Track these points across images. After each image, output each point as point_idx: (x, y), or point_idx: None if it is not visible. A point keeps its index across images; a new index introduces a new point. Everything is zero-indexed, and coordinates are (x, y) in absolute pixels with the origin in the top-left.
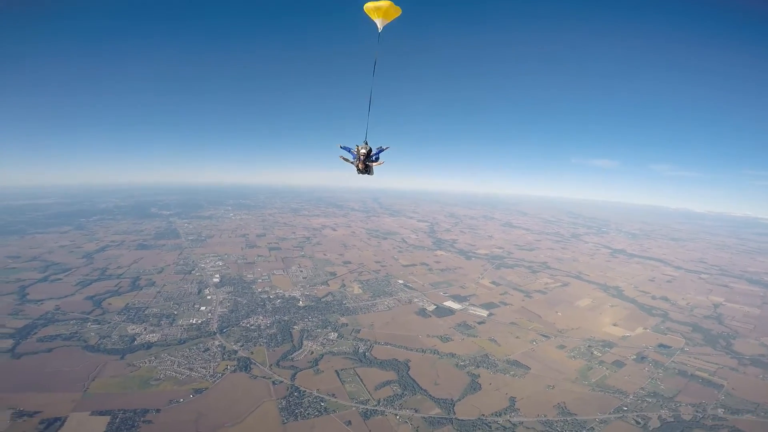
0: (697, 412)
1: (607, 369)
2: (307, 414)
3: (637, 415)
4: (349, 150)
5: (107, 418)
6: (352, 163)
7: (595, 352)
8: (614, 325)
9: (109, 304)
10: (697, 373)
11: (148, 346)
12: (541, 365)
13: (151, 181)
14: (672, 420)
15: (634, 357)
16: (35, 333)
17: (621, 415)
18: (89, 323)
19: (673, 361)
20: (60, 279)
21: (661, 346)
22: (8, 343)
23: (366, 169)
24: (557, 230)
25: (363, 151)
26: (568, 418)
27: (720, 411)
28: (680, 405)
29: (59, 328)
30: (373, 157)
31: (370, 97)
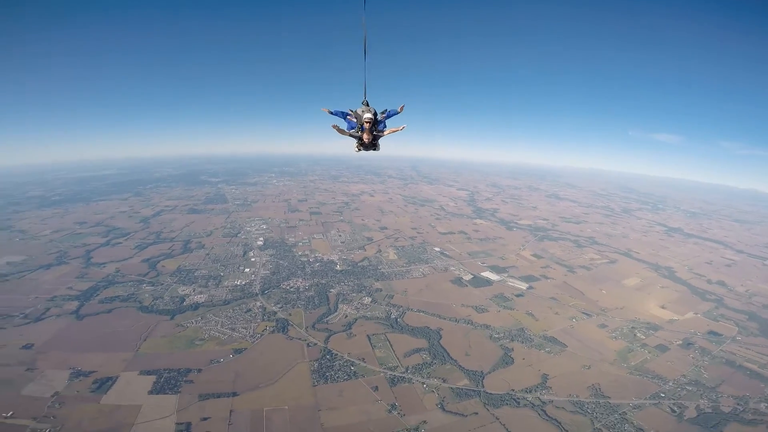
0: (738, 404)
1: (649, 353)
2: (337, 377)
3: (674, 403)
4: (344, 116)
5: (153, 378)
6: (350, 135)
7: (638, 334)
8: (662, 307)
9: (163, 266)
10: (746, 364)
11: (196, 306)
12: (579, 344)
13: (201, 152)
14: (710, 411)
15: (680, 342)
16: (97, 295)
17: (657, 401)
18: (144, 285)
19: (721, 350)
20: (120, 243)
21: (711, 333)
22: (74, 305)
23: (373, 142)
24: (608, 204)
25: (367, 116)
26: (601, 401)
27: (763, 405)
28: (721, 396)
29: (118, 289)
30: (382, 125)
31: (364, 37)
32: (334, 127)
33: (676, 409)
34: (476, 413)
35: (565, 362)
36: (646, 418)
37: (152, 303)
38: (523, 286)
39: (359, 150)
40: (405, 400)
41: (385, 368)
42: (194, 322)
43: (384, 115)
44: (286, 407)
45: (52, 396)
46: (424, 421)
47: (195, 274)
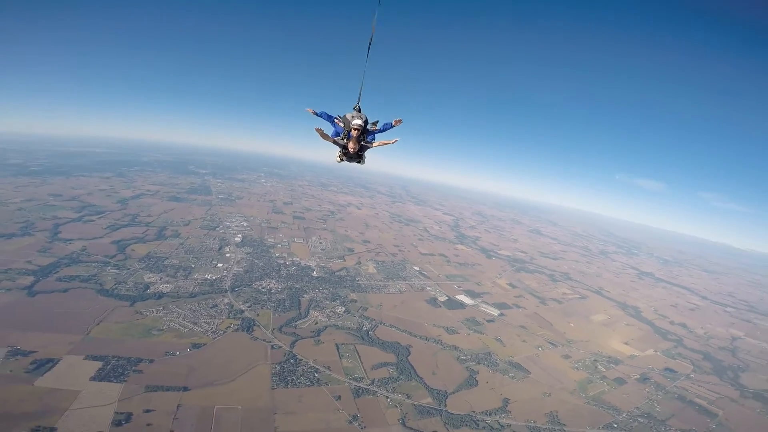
0: None
1: (607, 384)
2: (299, 383)
3: None
4: (330, 119)
5: (99, 364)
6: (334, 141)
7: (599, 367)
8: (625, 343)
9: (133, 250)
10: (696, 399)
11: (160, 296)
12: (542, 372)
13: (194, 142)
14: None
15: (638, 377)
16: (57, 272)
17: (609, 431)
18: (109, 267)
19: (675, 386)
20: (92, 220)
21: (667, 369)
22: (29, 280)
23: (358, 153)
24: (586, 245)
25: (357, 122)
26: (557, 428)
27: None
28: (670, 429)
29: (80, 269)
30: (371, 136)
31: (370, 40)
32: (318, 130)
33: None
34: None
35: (527, 388)
36: None
37: (114, 287)
38: (496, 312)
39: (341, 160)
40: (367, 413)
41: (350, 378)
42: (155, 312)
43: (376, 127)
44: (240, 407)
45: None
46: None
47: (165, 263)
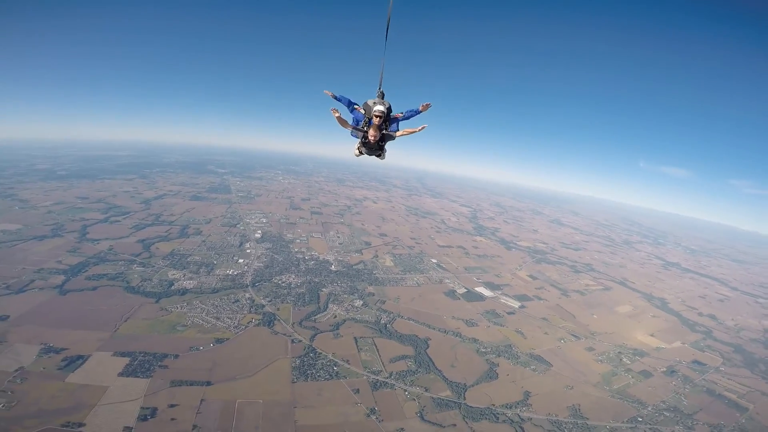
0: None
1: (632, 377)
2: (318, 376)
3: (650, 428)
4: (350, 105)
5: (127, 360)
6: (353, 129)
7: (624, 359)
8: (651, 335)
9: (157, 248)
10: (725, 393)
11: (183, 292)
12: (565, 364)
13: (212, 143)
14: None
15: (664, 369)
16: (86, 271)
17: (633, 425)
18: (135, 265)
19: (703, 379)
20: (118, 221)
21: (695, 362)
22: (59, 279)
23: (379, 144)
24: (609, 234)
25: (379, 108)
26: (579, 421)
27: None
28: (697, 423)
29: (108, 267)
30: (395, 125)
31: (388, 18)
32: (334, 111)
33: None
34: (454, 425)
35: (549, 381)
36: None
37: (140, 284)
38: (516, 304)
39: (360, 153)
40: (385, 406)
41: (368, 372)
42: (179, 308)
43: (401, 115)
44: (261, 401)
45: (16, 371)
46: (402, 429)
47: (188, 260)
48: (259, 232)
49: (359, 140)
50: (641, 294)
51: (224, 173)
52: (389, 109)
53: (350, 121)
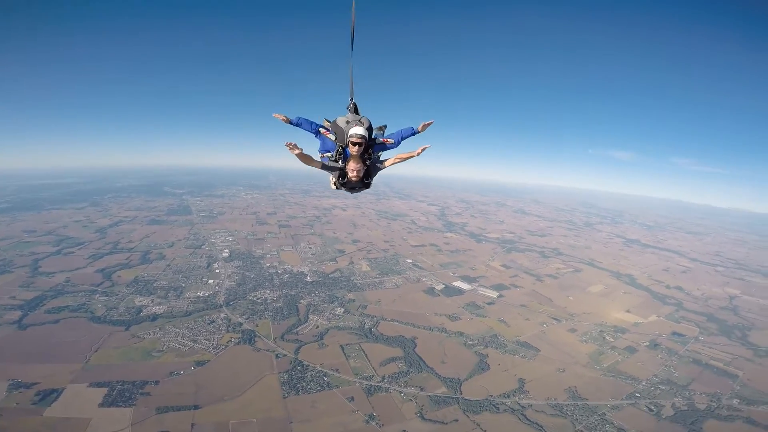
0: (711, 401)
1: (619, 354)
2: (309, 389)
3: (650, 402)
4: (314, 129)
5: (105, 390)
6: (325, 167)
7: (607, 337)
8: (627, 311)
9: (119, 276)
10: (712, 362)
11: (154, 317)
12: (552, 348)
13: (166, 163)
14: (686, 408)
15: (647, 344)
16: (44, 305)
17: (633, 401)
18: (97, 295)
19: (687, 350)
20: (73, 252)
21: (674, 334)
22: (16, 314)
23: (364, 179)
24: (570, 218)
25: (357, 131)
26: (579, 403)
27: (735, 401)
28: (694, 394)
29: (68, 299)
30: (378, 149)
31: (352, 22)
32: (292, 147)
33: (653, 408)
34: (456, 420)
35: (540, 366)
36: (625, 418)
37: (105, 313)
38: (494, 294)
39: (337, 187)
40: (383, 410)
41: (360, 378)
42: (152, 333)
43: (391, 141)
44: (255, 420)
45: None
46: (404, 431)
47: (154, 285)
48: (227, 251)
49: (334, 177)
50: (610, 272)
51: (182, 194)
52: (370, 128)
53: (320, 151)
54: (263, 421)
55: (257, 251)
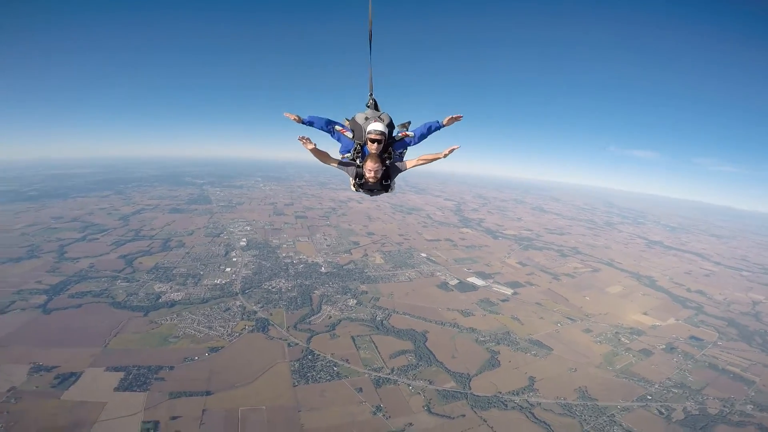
0: (724, 407)
1: (633, 356)
2: (319, 378)
3: (661, 405)
4: (329, 127)
5: (121, 374)
6: (338, 164)
7: (622, 339)
8: (644, 313)
9: (140, 263)
10: (728, 367)
11: (172, 304)
12: (565, 347)
13: (185, 154)
14: (697, 413)
15: (663, 347)
16: (68, 289)
17: (644, 404)
18: (119, 281)
19: (704, 354)
20: (97, 239)
21: (692, 338)
22: (41, 299)
23: (384, 181)
24: (590, 217)
25: (376, 126)
26: (588, 403)
27: (749, 407)
28: (707, 398)
29: (91, 285)
30: (400, 147)
31: (369, 13)
32: (306, 142)
33: (663, 411)
34: (463, 415)
35: (552, 365)
36: (634, 420)
37: (126, 299)
38: (509, 291)
39: (356, 189)
40: (390, 402)
41: (369, 369)
42: (169, 320)
43: (412, 135)
44: (264, 407)
45: (8, 391)
46: (411, 424)
47: (173, 272)
48: (244, 240)
49: (352, 177)
50: (629, 273)
51: (202, 184)
52: (391, 125)
53: (341, 152)
54: (272, 409)
55: (274, 241)
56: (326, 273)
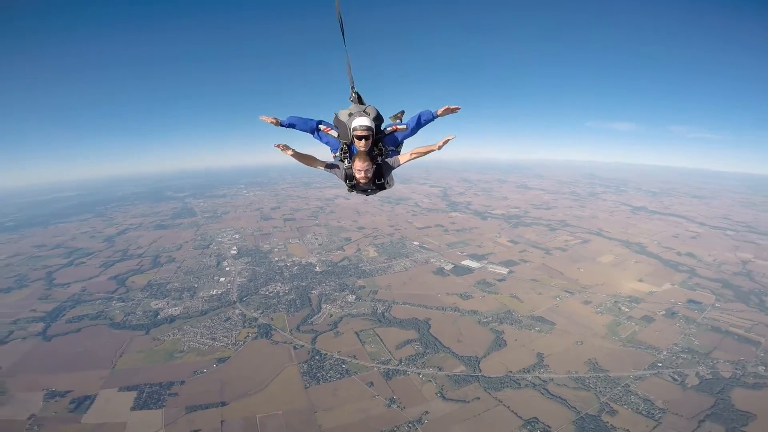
0: (736, 369)
1: (636, 324)
2: (329, 377)
3: (674, 372)
4: (310, 127)
5: (134, 393)
6: (325, 166)
7: (622, 308)
8: (639, 280)
9: (132, 282)
10: (732, 329)
11: (171, 319)
12: (568, 321)
13: (164, 169)
14: (711, 377)
15: (664, 312)
16: (64, 315)
17: (656, 371)
18: (114, 302)
19: (704, 317)
20: (84, 262)
21: (690, 301)
22: (39, 326)
23: (377, 180)
24: (574, 190)
25: (361, 122)
26: (601, 375)
27: (761, 369)
28: (718, 362)
29: (86, 308)
30: (391, 141)
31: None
32: (284, 148)
33: (677, 377)
34: (478, 398)
35: (557, 340)
36: (650, 389)
37: (124, 319)
38: (504, 270)
39: (351, 190)
40: (403, 393)
41: (377, 363)
42: (171, 335)
43: (404, 128)
44: (280, 412)
45: (29, 418)
46: (426, 412)
47: (167, 288)
48: (235, 248)
49: (342, 180)
50: (619, 242)
51: (184, 197)
52: (379, 118)
53: (322, 154)
54: (288, 413)
55: (265, 246)
56: (321, 272)
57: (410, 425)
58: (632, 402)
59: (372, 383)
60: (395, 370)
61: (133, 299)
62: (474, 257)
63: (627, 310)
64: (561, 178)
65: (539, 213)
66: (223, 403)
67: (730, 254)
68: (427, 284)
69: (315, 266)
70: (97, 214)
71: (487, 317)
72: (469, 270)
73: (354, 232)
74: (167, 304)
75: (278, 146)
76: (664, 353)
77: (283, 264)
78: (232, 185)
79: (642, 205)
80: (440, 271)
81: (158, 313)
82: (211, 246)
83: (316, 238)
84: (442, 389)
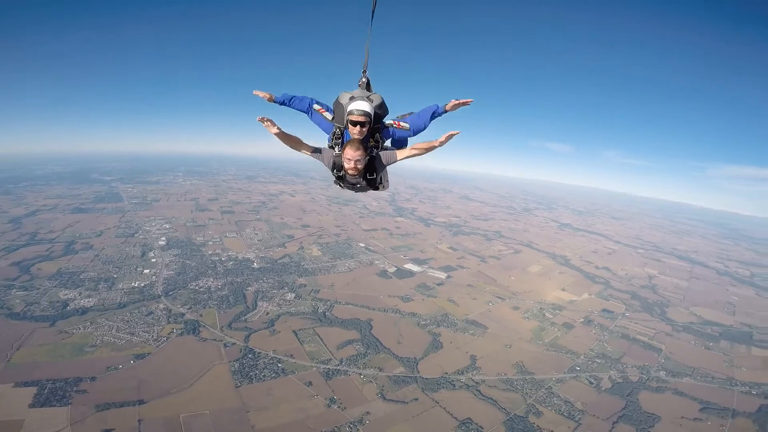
0: (642, 374)
1: (558, 330)
2: (263, 376)
3: (590, 375)
4: (307, 107)
5: (34, 389)
6: (315, 154)
7: (546, 314)
8: (562, 290)
9: (39, 269)
10: (638, 337)
11: (83, 311)
12: (498, 325)
13: (97, 149)
14: (621, 381)
15: (582, 320)
16: None
17: (575, 374)
18: (15, 290)
19: (616, 325)
20: None
21: (604, 311)
22: None
23: (369, 176)
24: (510, 204)
25: (359, 106)
26: (527, 377)
27: (662, 373)
28: (627, 366)
29: None
30: (390, 133)
31: None
32: (268, 124)
33: (593, 380)
34: (416, 399)
35: (489, 343)
36: (569, 391)
37: (25, 309)
38: (443, 275)
39: (339, 182)
40: (344, 393)
41: (317, 362)
42: (82, 328)
43: (406, 126)
44: (207, 411)
45: None
46: (367, 412)
47: (81, 277)
48: (164, 238)
49: (329, 168)
50: (546, 254)
51: (111, 180)
52: (382, 107)
53: (311, 135)
54: (217, 412)
55: (198, 238)
56: (259, 268)
57: (351, 426)
58: (555, 404)
59: (311, 383)
60: (336, 370)
61: (39, 288)
62: (416, 261)
63: (551, 316)
64: (500, 192)
65: (478, 223)
66: (141, 402)
67: (639, 269)
68: (371, 285)
69: (253, 262)
70: (3, 192)
71: (425, 320)
72: (410, 273)
73: (298, 229)
74: (79, 294)
75: (262, 120)
76: (582, 358)
77: (217, 258)
78: (168, 172)
79: (568, 222)
80: (384, 273)
81: (68, 304)
82: (137, 234)
83: (256, 234)
84: (382, 390)
